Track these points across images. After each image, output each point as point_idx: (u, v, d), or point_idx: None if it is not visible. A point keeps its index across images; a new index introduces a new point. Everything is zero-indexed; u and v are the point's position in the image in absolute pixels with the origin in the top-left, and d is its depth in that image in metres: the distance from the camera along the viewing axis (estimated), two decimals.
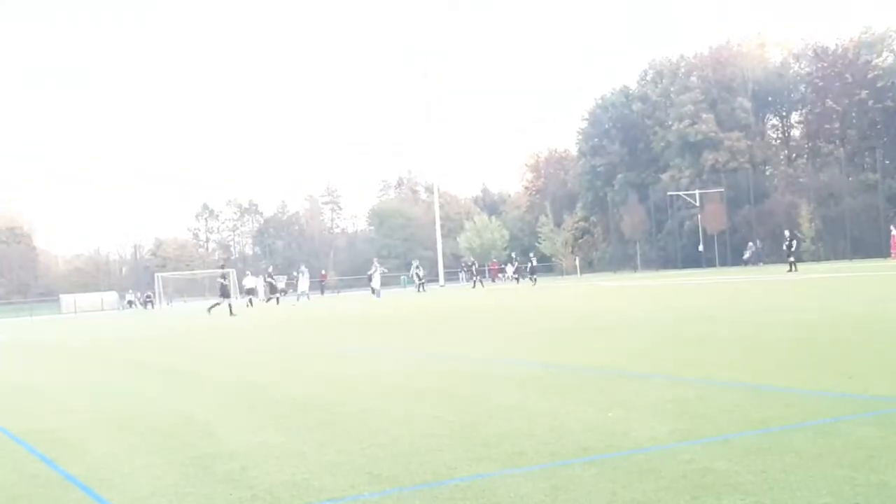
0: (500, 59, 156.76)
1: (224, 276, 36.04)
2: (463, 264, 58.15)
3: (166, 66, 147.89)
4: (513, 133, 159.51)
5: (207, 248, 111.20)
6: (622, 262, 74.13)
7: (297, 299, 43.22)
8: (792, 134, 75.23)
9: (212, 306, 33.88)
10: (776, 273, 38.64)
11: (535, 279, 53.89)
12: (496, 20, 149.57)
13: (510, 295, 35.43)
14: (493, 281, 68.41)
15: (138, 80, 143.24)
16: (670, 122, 71.84)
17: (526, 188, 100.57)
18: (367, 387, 8.80)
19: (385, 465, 5.17)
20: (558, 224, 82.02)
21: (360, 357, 12.43)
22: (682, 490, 4.20)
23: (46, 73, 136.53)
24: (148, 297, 68.02)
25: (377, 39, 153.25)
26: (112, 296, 73.41)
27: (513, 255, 62.42)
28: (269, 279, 47.75)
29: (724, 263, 63.75)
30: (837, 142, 64.55)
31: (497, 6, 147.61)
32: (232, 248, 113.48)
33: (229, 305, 33.15)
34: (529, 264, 56.09)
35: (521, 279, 56.30)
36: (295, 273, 50.56)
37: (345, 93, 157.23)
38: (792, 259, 39.28)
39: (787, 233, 42.53)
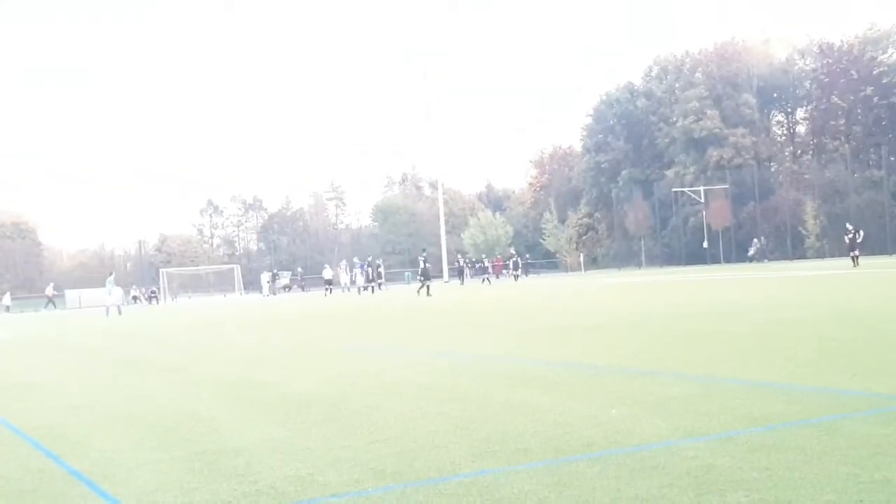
0: (502, 57, 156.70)
1: (425, 260, 38.18)
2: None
3: (168, 64, 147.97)
4: (517, 130, 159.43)
5: (212, 244, 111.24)
6: (626, 258, 74.04)
7: (359, 293, 45.15)
8: (797, 130, 75.04)
9: (419, 289, 36.04)
10: (781, 269, 38.57)
11: (488, 279, 53.18)
12: (498, 18, 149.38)
13: (501, 293, 35.40)
14: (497, 277, 68.34)
15: (141, 79, 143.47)
16: (675, 119, 71.68)
17: (530, 184, 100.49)
18: (371, 383, 8.81)
19: (389, 461, 5.19)
20: (562, 220, 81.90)
21: (364, 353, 12.45)
22: (686, 487, 4.20)
23: (47, 72, 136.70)
24: (153, 292, 68.08)
25: (380, 37, 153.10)
26: (117, 291, 73.39)
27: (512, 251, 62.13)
28: (368, 268, 49.34)
29: (728, 260, 63.65)
30: (842, 138, 64.38)
31: (498, 5, 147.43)
32: (236, 244, 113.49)
33: (427, 287, 35.70)
34: (482, 264, 54.82)
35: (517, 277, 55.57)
36: (355, 266, 52.19)
37: (348, 90, 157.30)
38: (856, 253, 37.11)
39: (848, 226, 40.14)
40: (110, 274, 40.61)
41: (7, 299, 60.88)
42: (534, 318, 17.66)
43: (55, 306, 60.88)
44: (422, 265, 37.55)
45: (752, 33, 73.96)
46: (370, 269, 49.06)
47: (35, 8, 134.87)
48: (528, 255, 78.06)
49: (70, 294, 69.53)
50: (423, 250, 40.19)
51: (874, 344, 9.35)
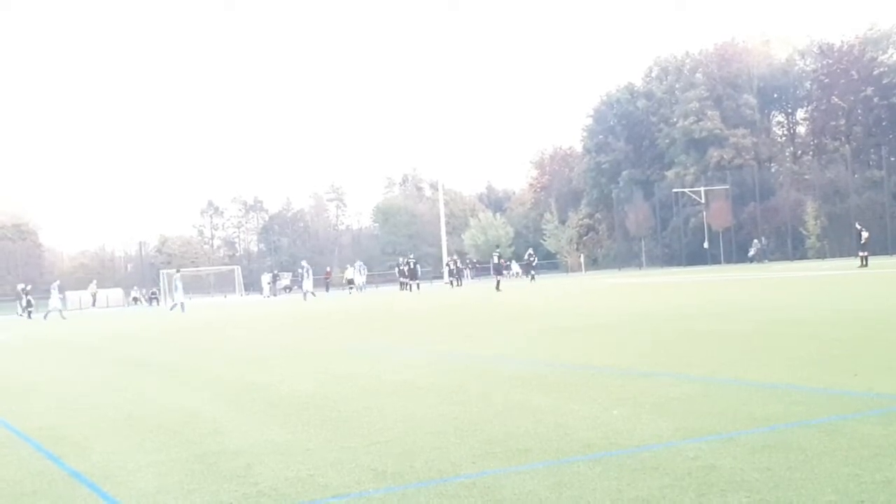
0: (502, 57, 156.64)
1: (499, 256, 42.66)
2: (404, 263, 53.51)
3: (169, 64, 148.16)
4: (518, 130, 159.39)
5: (212, 245, 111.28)
6: (627, 259, 74.01)
7: (305, 298, 44.04)
8: (797, 131, 75.01)
9: (497, 284, 38.47)
10: (781, 270, 38.56)
11: (454, 282, 52.32)
12: (498, 18, 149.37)
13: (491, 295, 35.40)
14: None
15: (141, 79, 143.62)
16: (675, 119, 71.65)
17: (531, 185, 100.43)
18: (372, 384, 8.81)
19: (390, 462, 5.18)
20: (563, 221, 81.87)
21: (364, 354, 12.44)
22: (687, 488, 4.20)
23: (47, 72, 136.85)
24: (153, 293, 68.09)
25: (380, 37, 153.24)
26: (117, 293, 73.49)
27: (530, 251, 60.78)
28: (408, 266, 49.51)
29: (729, 260, 63.62)
30: (843, 139, 64.33)
31: (498, 5, 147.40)
32: (237, 246, 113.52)
33: (498, 282, 38.56)
34: (448, 268, 53.74)
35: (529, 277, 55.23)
36: (299, 270, 52.04)
37: (349, 90, 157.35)
38: (865, 253, 36.34)
39: (858, 225, 39.42)
40: (177, 271, 41.68)
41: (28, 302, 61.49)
42: (534, 319, 17.65)
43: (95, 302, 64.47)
44: (495, 262, 41.78)
45: (752, 34, 74.01)
46: (407, 267, 49.22)
47: (36, 6, 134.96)
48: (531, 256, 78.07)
49: (70, 295, 69.46)
50: (497, 246, 46.25)
51: (875, 344, 9.34)
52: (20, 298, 47.98)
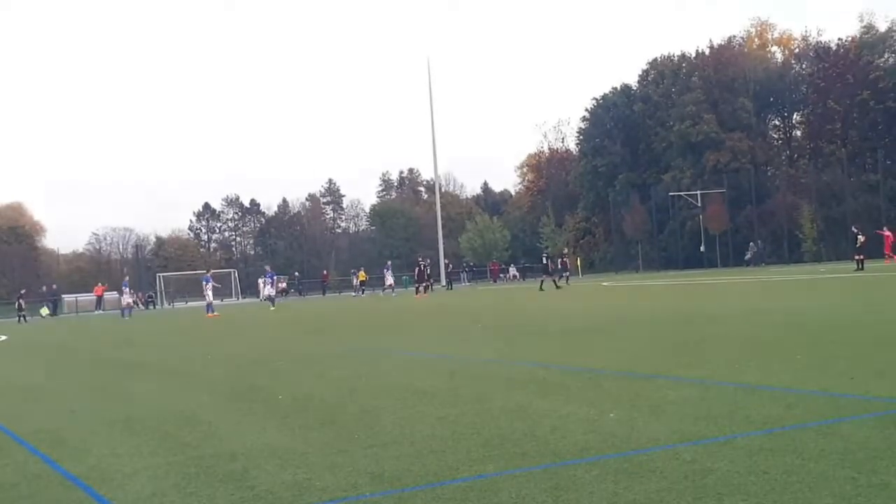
0: (499, 59, 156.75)
1: (548, 258, 43.56)
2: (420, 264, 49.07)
3: (167, 66, 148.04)
4: (514, 132, 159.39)
5: (209, 248, 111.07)
6: (624, 262, 74.05)
7: (272, 304, 38.77)
8: (793, 134, 75.11)
9: (541, 284, 38.98)
10: (777, 273, 38.60)
11: (429, 286, 48.73)
12: (496, 20, 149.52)
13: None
14: (494, 281, 68.34)
15: (139, 80, 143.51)
16: (672, 123, 71.71)
17: (527, 188, 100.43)
18: (369, 387, 8.81)
19: (387, 465, 5.18)
20: (560, 224, 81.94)
21: (361, 358, 12.43)
22: (684, 491, 4.20)
23: (45, 73, 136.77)
24: (149, 297, 67.97)
25: (379, 39, 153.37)
26: (113, 296, 73.27)
27: (555, 250, 58.71)
28: (421, 269, 47.63)
29: (725, 264, 63.68)
30: (839, 142, 64.42)
31: (496, 7, 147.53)
32: (233, 249, 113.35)
33: (554, 281, 39.28)
34: (419, 268, 49.73)
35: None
36: (290, 276, 51.27)
37: (347, 91, 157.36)
38: (860, 256, 36.17)
39: (854, 229, 39.13)
40: (207, 272, 40.33)
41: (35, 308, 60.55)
42: (531, 322, 17.65)
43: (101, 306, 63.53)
44: (545, 262, 42.20)
45: (748, 37, 74.09)
46: (417, 270, 47.95)
47: (36, 6, 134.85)
48: (523, 260, 78.27)
49: (66, 299, 69.27)
50: (546, 248, 47.30)
51: (872, 347, 9.36)
52: (46, 301, 47.79)
